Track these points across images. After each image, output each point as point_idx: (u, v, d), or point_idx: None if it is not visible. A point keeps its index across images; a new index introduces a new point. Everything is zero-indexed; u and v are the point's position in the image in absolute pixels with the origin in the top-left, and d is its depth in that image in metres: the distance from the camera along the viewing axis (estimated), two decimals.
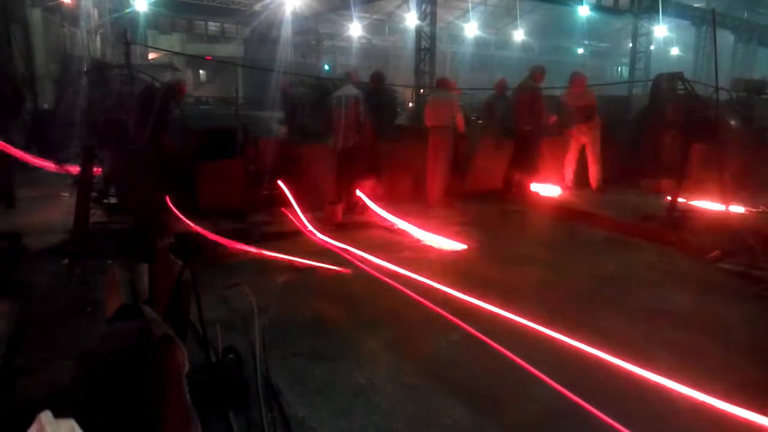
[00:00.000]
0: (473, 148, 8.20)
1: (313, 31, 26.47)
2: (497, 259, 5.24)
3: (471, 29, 28.18)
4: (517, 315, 3.50)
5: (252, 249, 5.02)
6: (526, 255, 5.42)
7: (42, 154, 9.79)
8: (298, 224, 6.17)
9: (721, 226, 5.76)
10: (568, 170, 8.41)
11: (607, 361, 2.92)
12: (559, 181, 8.40)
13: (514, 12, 27.02)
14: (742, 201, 6.56)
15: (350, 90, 6.82)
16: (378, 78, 8.04)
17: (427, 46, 17.74)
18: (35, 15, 14.62)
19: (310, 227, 6.04)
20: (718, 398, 2.56)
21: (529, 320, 3.42)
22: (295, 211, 6.37)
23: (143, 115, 5.61)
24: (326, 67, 26.75)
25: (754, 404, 2.55)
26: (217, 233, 5.21)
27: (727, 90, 8.53)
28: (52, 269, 4.60)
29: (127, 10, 20.48)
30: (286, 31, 22.00)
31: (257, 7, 23.39)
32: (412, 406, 2.73)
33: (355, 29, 27.22)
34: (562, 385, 2.70)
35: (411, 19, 19.91)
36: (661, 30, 25.09)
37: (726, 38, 25.28)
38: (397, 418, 2.62)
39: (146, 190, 5.59)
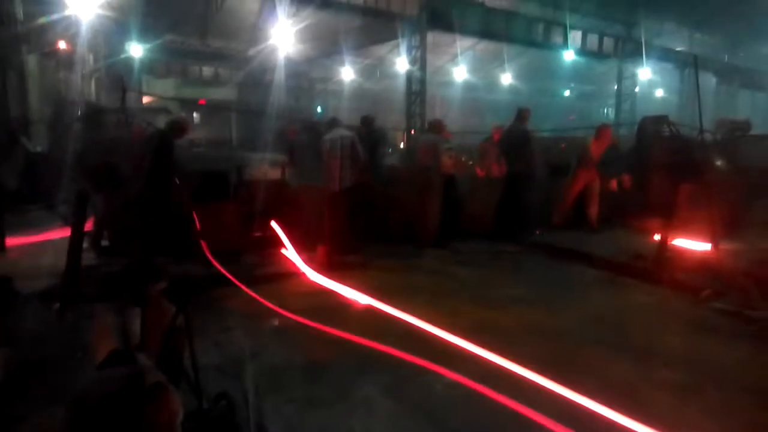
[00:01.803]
0: (467, 190, 8.30)
1: (305, 75, 26.98)
2: (489, 300, 5.23)
3: (460, 73, 28.84)
4: (510, 357, 3.49)
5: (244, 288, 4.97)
6: (518, 296, 5.42)
7: (33, 197, 9.80)
8: (292, 265, 6.16)
9: (711, 265, 5.80)
10: (565, 207, 8.52)
11: (602, 408, 2.90)
12: (556, 218, 8.50)
13: (502, 56, 27.72)
14: (731, 239, 6.63)
15: (342, 132, 6.93)
16: (368, 121, 8.22)
17: (417, 89, 18.12)
18: (31, 61, 14.86)
19: (304, 268, 6.04)
20: None
21: (522, 362, 3.42)
22: (289, 252, 6.37)
23: (140, 160, 5.64)
24: (319, 109, 27.17)
25: None
26: (210, 276, 5.19)
27: (711, 132, 8.73)
28: (42, 314, 4.54)
29: (123, 56, 20.83)
30: (279, 76, 22.41)
31: (250, 52, 23.87)
32: None
33: (347, 73, 27.79)
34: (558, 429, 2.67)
35: (402, 64, 20.37)
36: (645, 73, 25.79)
37: (708, 80, 25.99)
38: None
39: (138, 234, 5.57)
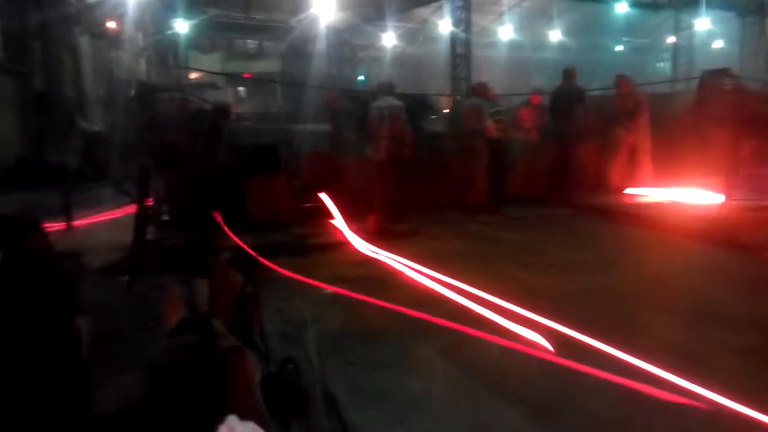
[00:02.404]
0: (515, 153, 8.17)
1: (348, 43, 26.79)
2: (547, 265, 5.20)
3: (506, 32, 27.94)
4: (565, 322, 3.49)
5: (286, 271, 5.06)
6: (575, 260, 5.36)
7: (95, 175, 10.25)
8: (342, 235, 6.27)
9: None
10: (616, 172, 8.27)
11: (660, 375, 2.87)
12: (606, 183, 8.27)
13: (550, 12, 26.67)
14: None
15: (390, 101, 6.92)
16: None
17: (462, 52, 17.71)
18: (84, 41, 15.33)
19: (354, 238, 6.14)
20: None
21: (579, 326, 3.41)
22: (338, 223, 6.48)
23: (195, 137, 5.84)
24: (361, 77, 27.01)
25: None
26: (263, 247, 5.35)
27: None
28: (112, 287, 4.80)
29: (169, 32, 21.20)
30: (321, 45, 22.34)
31: (292, 22, 23.84)
32: (469, 414, 2.75)
33: (389, 39, 27.39)
34: (616, 393, 2.69)
35: (445, 26, 19.92)
36: (703, 23, 24.32)
37: None
38: (455, 426, 2.65)
39: (198, 208, 5.79)
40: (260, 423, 1.51)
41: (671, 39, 25.16)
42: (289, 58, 25.95)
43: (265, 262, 5.05)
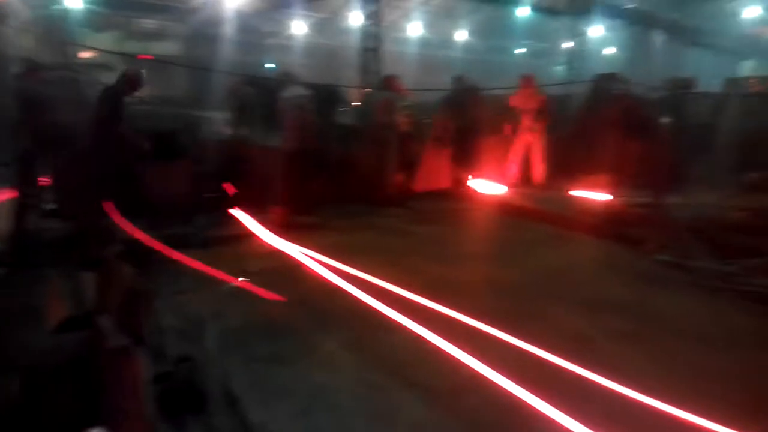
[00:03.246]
0: (422, 148, 8.31)
1: (256, 29, 26.02)
2: (446, 257, 5.34)
3: (415, 29, 28.44)
4: (467, 311, 3.61)
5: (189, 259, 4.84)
6: (474, 252, 5.55)
7: None
8: (246, 227, 6.09)
9: (655, 219, 6.07)
10: (512, 168, 8.65)
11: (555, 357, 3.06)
12: (504, 178, 8.63)
13: (457, 12, 27.44)
14: (674, 194, 6.93)
15: (298, 90, 6.78)
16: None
17: (372, 45, 17.78)
18: None
19: (259, 229, 5.98)
20: (669, 388, 2.73)
21: (479, 316, 3.54)
22: (243, 214, 6.28)
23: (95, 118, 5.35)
24: (271, 65, 26.35)
25: (689, 389, 2.74)
26: (161, 238, 5.08)
27: (659, 90, 8.98)
28: None
29: (58, 7, 19.57)
30: (227, 29, 21.54)
31: (196, 3, 22.79)
32: (372, 404, 2.76)
33: (300, 27, 26.97)
34: (514, 378, 2.81)
35: (356, 18, 19.90)
36: (596, 30, 26.07)
37: (656, 38, 26.49)
38: (359, 417, 2.64)
39: (87, 195, 5.36)
40: (143, 425, 1.42)
41: (567, 44, 26.75)
42: (192, 40, 24.74)
43: (162, 253, 4.80)
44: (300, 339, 3.46)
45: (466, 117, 7.94)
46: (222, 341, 3.31)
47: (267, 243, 5.67)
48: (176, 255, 4.89)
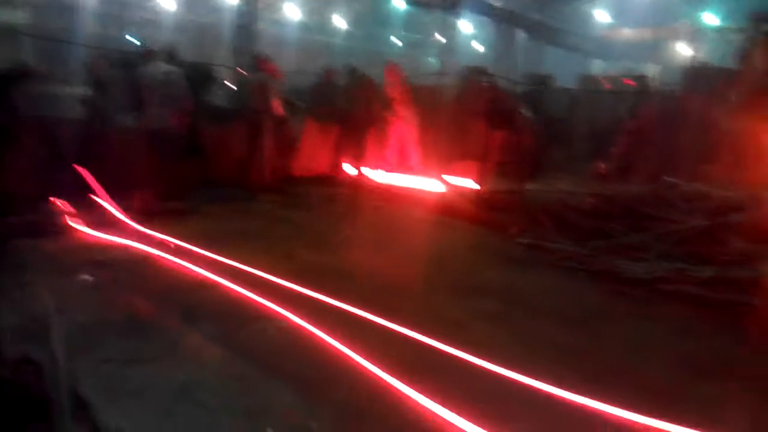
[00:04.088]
0: (300, 132, 8.16)
1: (117, 0, 23.94)
2: (321, 243, 5.30)
3: (293, 12, 27.91)
4: (340, 297, 3.59)
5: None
6: (347, 237, 5.56)
7: None
8: (106, 213, 5.59)
9: (517, 204, 6.48)
10: (390, 154, 8.79)
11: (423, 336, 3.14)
12: (383, 164, 8.75)
13: None
14: (533, 181, 7.45)
15: (163, 66, 6.31)
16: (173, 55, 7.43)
17: (245, 23, 17.13)
18: None
19: (120, 216, 5.52)
20: (526, 363, 2.89)
21: (352, 301, 3.54)
22: (101, 199, 5.76)
23: None
24: (137, 41, 24.41)
25: (550, 364, 2.94)
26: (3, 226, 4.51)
27: (522, 83, 9.59)
28: None
29: None
30: None
31: None
32: (242, 398, 2.63)
33: (168, 2, 25.28)
34: (386, 363, 2.83)
35: None
36: (465, 25, 27.31)
37: (519, 35, 28.30)
38: (226, 414, 2.51)
39: None
40: None
41: (440, 37, 27.79)
42: (41, 9, 22.22)
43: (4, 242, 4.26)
44: (161, 335, 3.21)
45: (349, 104, 7.89)
46: (70, 340, 2.98)
47: (130, 229, 5.24)
48: (17, 245, 4.36)
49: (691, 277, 4.36)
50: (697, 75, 8.74)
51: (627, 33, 28.05)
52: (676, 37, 21.42)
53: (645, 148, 8.24)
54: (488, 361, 2.91)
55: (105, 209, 5.65)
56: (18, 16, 22.99)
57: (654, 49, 18.60)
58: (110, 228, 5.20)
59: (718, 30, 15.88)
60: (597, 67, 27.05)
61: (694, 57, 14.91)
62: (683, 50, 20.95)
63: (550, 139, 9.19)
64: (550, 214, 5.94)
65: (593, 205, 6.10)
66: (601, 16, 29.76)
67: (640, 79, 10.48)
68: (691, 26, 18.93)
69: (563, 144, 9.96)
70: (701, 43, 17.68)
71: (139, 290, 3.82)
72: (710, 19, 18.85)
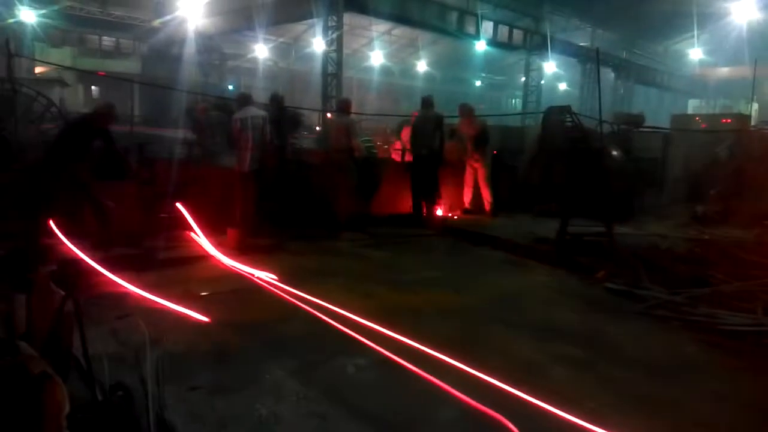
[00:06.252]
0: (383, 172, 8.33)
1: (217, 50, 25.89)
2: (401, 283, 5.30)
3: (377, 58, 28.92)
4: (420, 338, 3.54)
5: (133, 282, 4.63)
6: (428, 278, 5.53)
7: None
8: (201, 248, 5.92)
9: (605, 247, 6.19)
10: (466, 195, 8.74)
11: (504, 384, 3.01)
12: (459, 205, 8.70)
13: (417, 43, 28.04)
14: (623, 224, 7.11)
15: (254, 111, 6.70)
16: (277, 99, 7.94)
17: (333, 71, 17.92)
18: None
19: (213, 252, 5.82)
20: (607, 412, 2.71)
21: (432, 342, 3.48)
22: (198, 235, 6.11)
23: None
24: (231, 87, 26.19)
25: (638, 417, 2.74)
26: (105, 259, 4.86)
27: (610, 123, 9.29)
28: None
29: (11, 20, 19.02)
30: (188, 49, 21.35)
31: (156, 23, 22.53)
32: None
33: (261, 51, 26.97)
34: (464, 408, 2.75)
35: (318, 44, 20.04)
36: (550, 66, 27.03)
37: (607, 75, 27.67)
38: None
39: (27, 213, 5.11)
40: None
41: (523, 78, 27.64)
42: (150, 59, 24.43)
43: (102, 275, 4.58)
44: (245, 366, 3.32)
45: (432, 145, 7.95)
46: (160, 369, 3.13)
47: (221, 265, 5.52)
48: (121, 277, 4.68)
49: None
50: None
51: (723, 71, 26.70)
52: None
53: (746, 190, 7.70)
54: (570, 413, 2.75)
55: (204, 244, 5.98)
56: (128, 66, 25.42)
57: (751, 87, 17.54)
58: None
59: None
60: (691, 106, 25.83)
61: None
62: None
63: (641, 180, 8.80)
64: (641, 259, 5.63)
65: (690, 250, 5.72)
66: (695, 53, 28.55)
67: (739, 117, 9.87)
68: None
69: (656, 186, 9.50)
70: None
71: (229, 322, 3.99)
72: None
